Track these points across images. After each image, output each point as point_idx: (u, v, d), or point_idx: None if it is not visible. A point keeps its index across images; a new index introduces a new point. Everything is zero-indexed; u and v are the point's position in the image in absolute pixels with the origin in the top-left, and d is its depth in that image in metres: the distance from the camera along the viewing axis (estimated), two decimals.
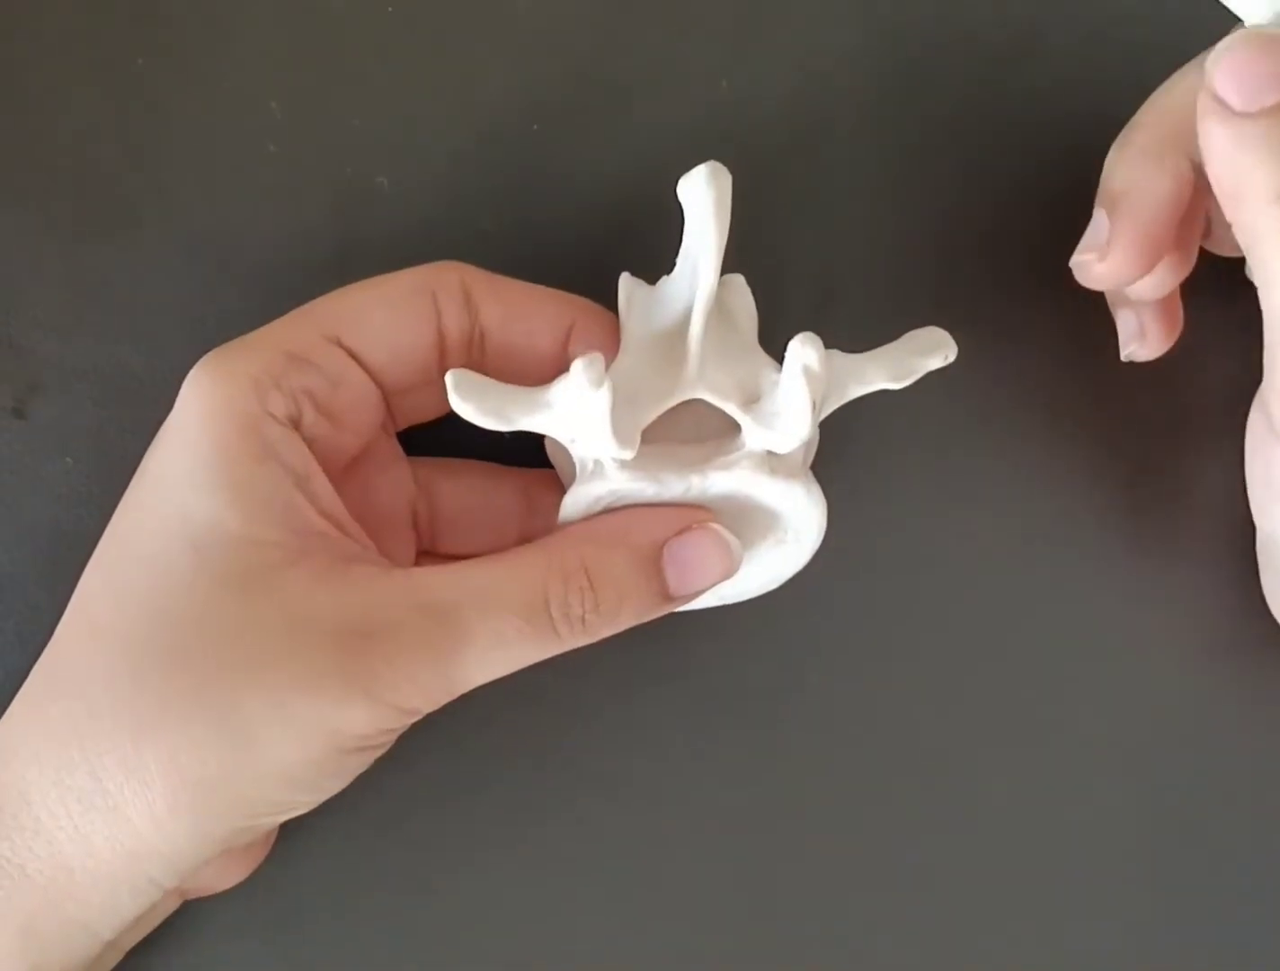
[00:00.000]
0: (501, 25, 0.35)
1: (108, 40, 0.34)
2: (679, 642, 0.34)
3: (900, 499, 0.35)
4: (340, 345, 0.29)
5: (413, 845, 0.34)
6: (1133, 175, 0.29)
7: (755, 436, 0.28)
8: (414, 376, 0.30)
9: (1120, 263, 0.29)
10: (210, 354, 0.28)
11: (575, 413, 0.27)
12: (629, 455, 0.27)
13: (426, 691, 0.27)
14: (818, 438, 0.30)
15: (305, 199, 0.34)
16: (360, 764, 0.28)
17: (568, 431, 0.28)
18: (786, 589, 0.31)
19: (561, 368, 0.29)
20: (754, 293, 0.30)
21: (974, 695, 0.35)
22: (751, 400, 0.28)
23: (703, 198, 0.27)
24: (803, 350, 0.27)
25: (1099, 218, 0.29)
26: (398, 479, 0.32)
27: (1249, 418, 0.32)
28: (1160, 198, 0.29)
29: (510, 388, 0.28)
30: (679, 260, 0.29)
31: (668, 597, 0.28)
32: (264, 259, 0.34)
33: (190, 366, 0.28)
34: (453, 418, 0.31)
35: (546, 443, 0.31)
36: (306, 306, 0.29)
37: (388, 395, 0.30)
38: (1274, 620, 0.33)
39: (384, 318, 0.29)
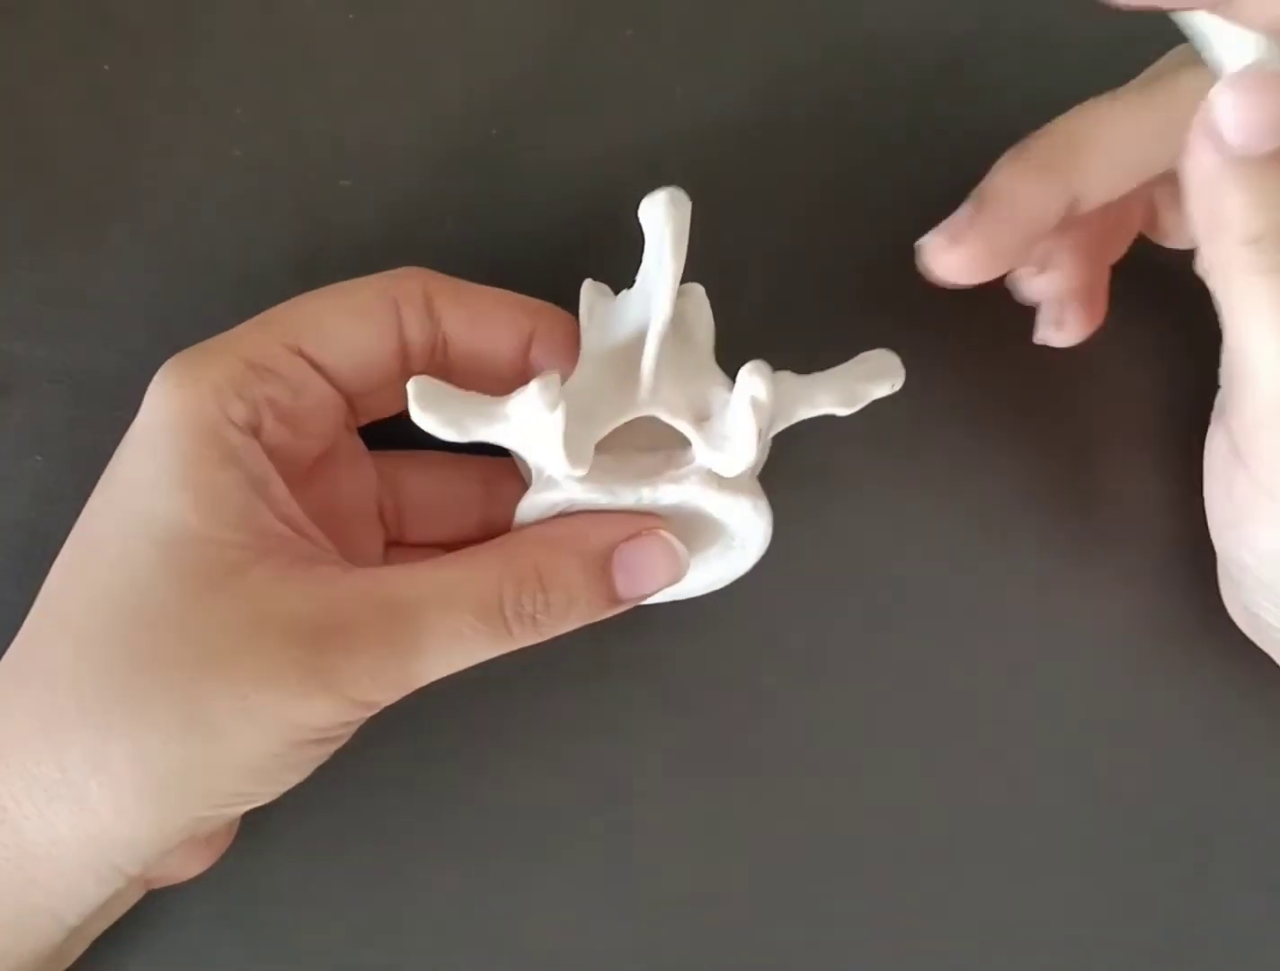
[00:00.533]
0: (461, 31, 0.35)
1: (75, 46, 0.35)
2: (642, 634, 0.34)
3: (849, 496, 0.35)
4: (302, 354, 0.29)
5: (378, 834, 0.34)
6: (1010, 182, 0.29)
7: (705, 455, 0.28)
8: (375, 382, 0.31)
9: (966, 259, 0.29)
10: (174, 359, 0.29)
11: (530, 429, 0.28)
12: (581, 473, 0.28)
13: (384, 685, 0.27)
14: (769, 446, 0.31)
15: (271, 202, 0.35)
16: (320, 755, 0.29)
17: (524, 443, 0.28)
18: (743, 584, 0.32)
19: (524, 373, 0.30)
20: (710, 298, 0.31)
21: (928, 688, 0.35)
22: (703, 418, 0.29)
23: (660, 226, 0.27)
24: (750, 381, 0.27)
25: (963, 209, 0.29)
26: (362, 474, 0.32)
27: (1208, 438, 0.32)
28: (1028, 210, 0.29)
29: (469, 398, 0.28)
30: (639, 276, 0.30)
31: (616, 600, 0.29)
32: (230, 261, 0.35)
33: (158, 367, 0.29)
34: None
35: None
36: (269, 313, 0.30)
37: (350, 398, 0.31)
38: (1218, 614, 0.34)
39: (346, 328, 0.30)
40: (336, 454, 0.32)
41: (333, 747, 0.29)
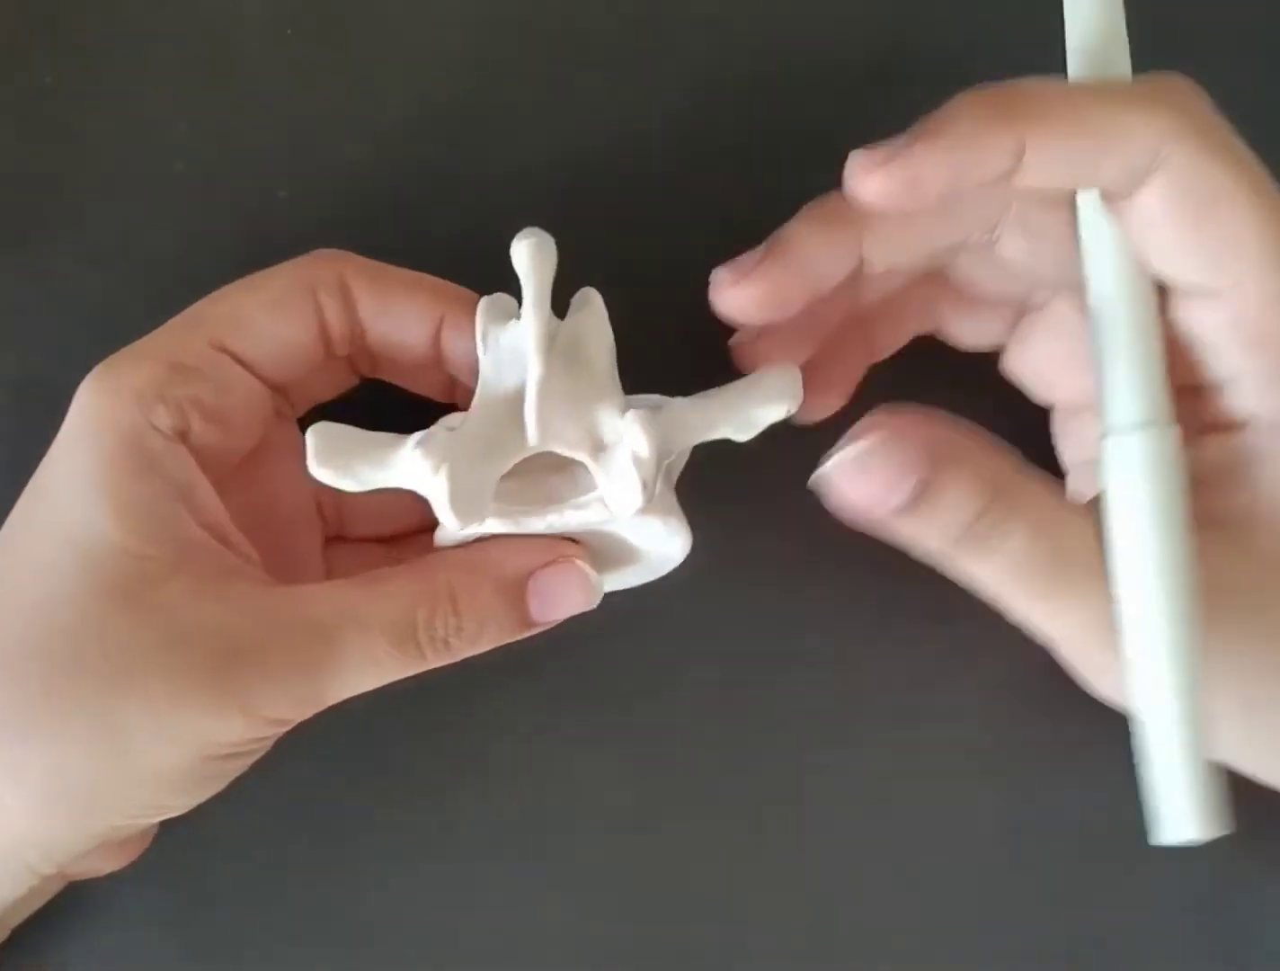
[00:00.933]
0: (398, 47, 0.36)
1: (17, 58, 0.36)
2: (563, 632, 0.35)
3: (772, 500, 0.35)
4: (225, 350, 0.30)
5: (313, 833, 0.35)
6: (801, 231, 0.29)
7: (604, 487, 0.28)
8: (301, 370, 0.31)
9: (747, 299, 0.28)
10: (98, 367, 0.29)
11: (419, 488, 0.28)
12: (471, 529, 0.28)
13: (297, 704, 0.28)
14: (688, 453, 0.31)
15: (211, 212, 0.36)
16: (235, 769, 0.29)
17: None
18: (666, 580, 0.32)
19: (437, 358, 0.31)
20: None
21: (837, 690, 0.35)
22: (601, 447, 0.28)
23: (524, 276, 0.28)
24: (632, 434, 0.27)
25: (758, 249, 0.29)
26: (298, 470, 0.32)
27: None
28: (814, 262, 0.28)
29: (367, 444, 0.28)
30: (522, 315, 0.29)
31: (529, 625, 0.29)
32: (171, 272, 0.35)
33: None
34: (354, 398, 0.33)
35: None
36: (190, 312, 0.30)
37: (279, 389, 0.31)
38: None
39: (266, 319, 0.30)
40: (271, 448, 0.32)
41: (249, 761, 0.30)
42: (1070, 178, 0.27)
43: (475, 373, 0.30)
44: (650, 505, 0.29)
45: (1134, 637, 0.27)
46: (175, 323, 0.30)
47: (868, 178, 0.26)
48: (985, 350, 0.33)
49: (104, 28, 0.36)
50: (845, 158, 0.27)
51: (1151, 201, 0.26)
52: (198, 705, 0.27)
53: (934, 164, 0.26)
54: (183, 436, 0.29)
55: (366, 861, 0.35)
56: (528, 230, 0.28)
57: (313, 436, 0.28)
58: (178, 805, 0.29)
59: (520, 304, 0.29)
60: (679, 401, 0.29)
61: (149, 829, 0.33)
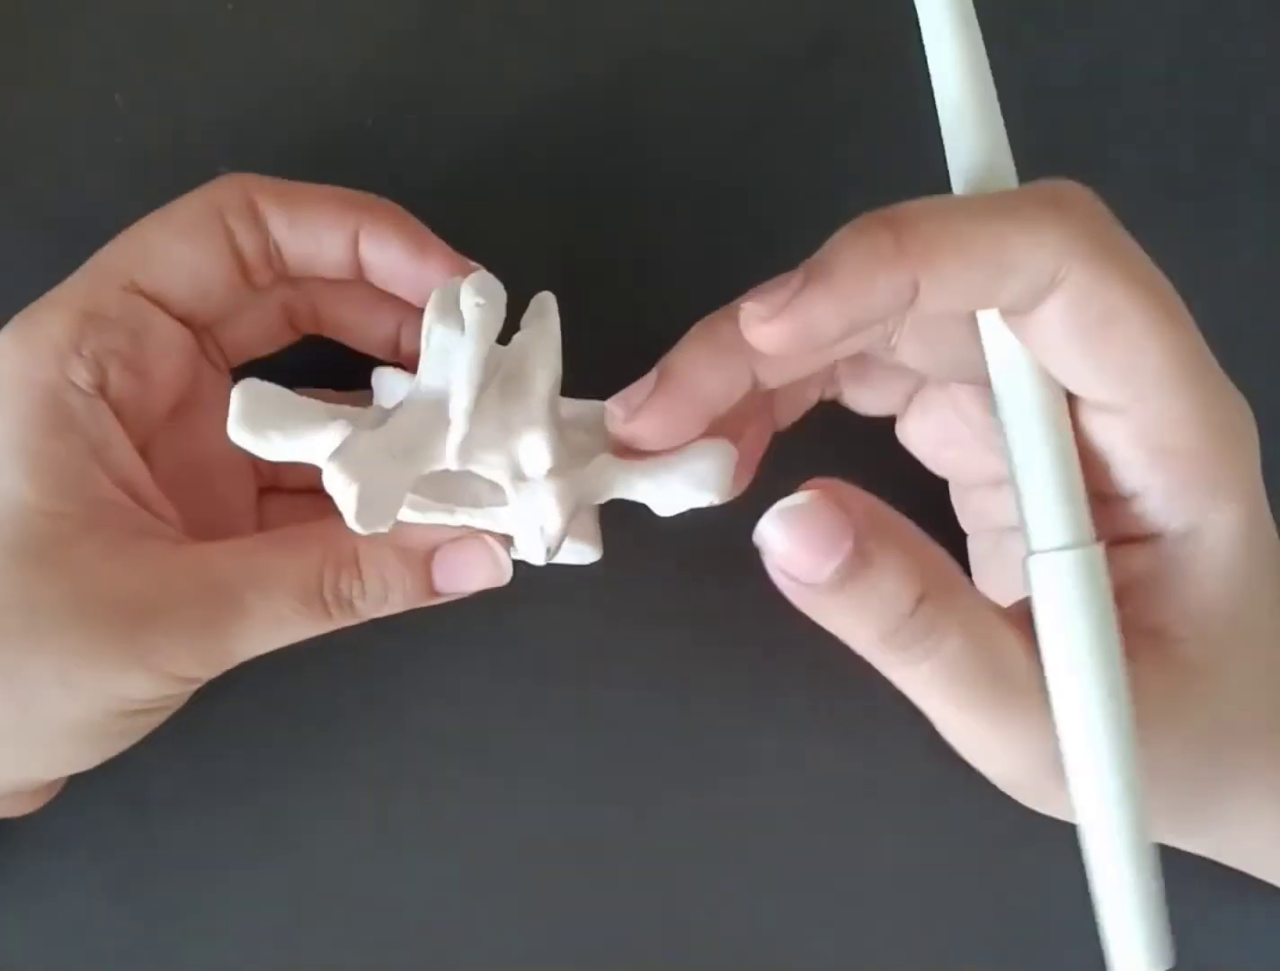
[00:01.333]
0: (338, 20, 0.36)
1: None
2: (496, 595, 0.34)
3: None
4: (139, 292, 0.29)
5: (253, 801, 0.35)
6: (689, 362, 0.28)
7: (514, 521, 0.28)
8: (222, 305, 0.30)
9: (645, 430, 0.28)
10: (14, 319, 0.29)
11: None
12: (380, 531, 0.27)
13: (205, 662, 0.28)
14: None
15: (151, 188, 0.35)
16: (146, 725, 0.29)
17: None
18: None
19: (357, 271, 0.30)
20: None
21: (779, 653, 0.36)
22: (521, 477, 0.28)
23: (469, 326, 0.27)
24: (545, 506, 0.27)
25: (646, 380, 0.28)
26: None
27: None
28: (706, 392, 0.28)
29: (294, 413, 0.28)
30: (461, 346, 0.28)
31: (434, 593, 0.29)
32: None
33: None
34: (296, 353, 0.33)
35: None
36: (98, 256, 0.30)
37: (206, 330, 0.31)
38: None
39: (178, 252, 0.29)
40: (204, 398, 0.32)
41: (161, 717, 0.30)
42: (967, 304, 0.26)
43: (401, 285, 0.30)
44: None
45: (1079, 777, 0.26)
46: (86, 268, 0.30)
47: (762, 328, 0.26)
48: (884, 416, 0.33)
49: (37, 2, 0.36)
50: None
51: (1051, 320, 0.26)
52: (104, 663, 0.27)
53: (826, 311, 0.25)
54: (101, 390, 0.29)
55: (307, 828, 0.35)
56: (478, 278, 0.28)
57: (238, 395, 0.27)
58: (85, 760, 0.29)
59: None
60: (607, 456, 0.29)
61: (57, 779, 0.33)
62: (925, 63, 0.28)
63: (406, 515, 0.29)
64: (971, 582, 0.27)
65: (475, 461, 0.28)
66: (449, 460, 0.27)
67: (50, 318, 0.29)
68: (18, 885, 0.34)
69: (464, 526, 0.29)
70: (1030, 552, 0.27)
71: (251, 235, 0.30)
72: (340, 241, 0.30)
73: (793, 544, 0.25)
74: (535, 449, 0.28)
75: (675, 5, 0.37)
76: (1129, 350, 0.25)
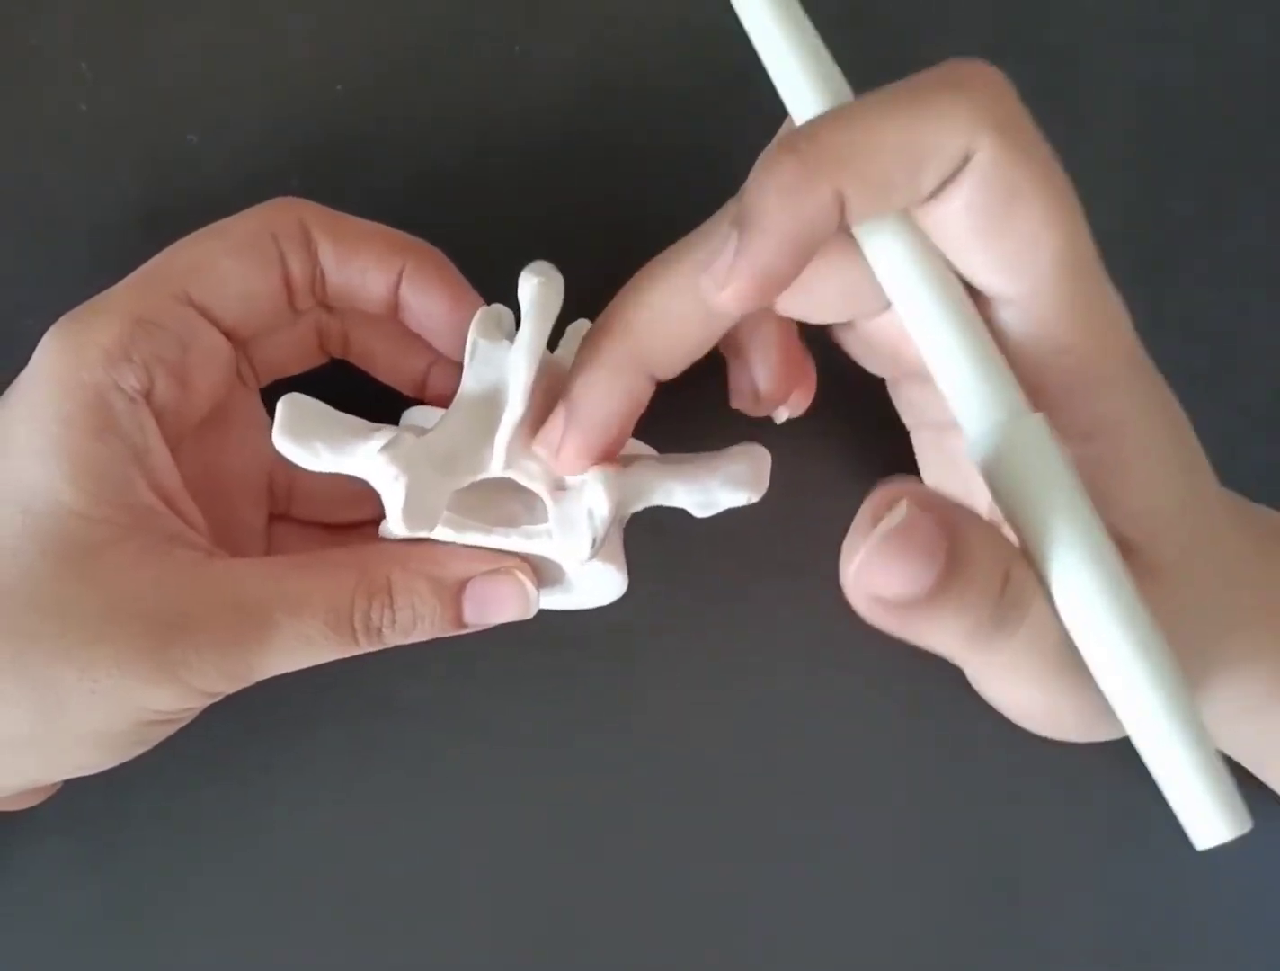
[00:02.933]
0: None
1: None
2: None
3: None
4: (191, 303, 0.30)
5: (239, 782, 0.35)
6: (596, 388, 0.28)
7: (554, 529, 0.29)
8: (264, 322, 0.31)
9: (565, 464, 0.28)
10: (62, 320, 0.29)
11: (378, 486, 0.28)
12: (424, 533, 0.28)
13: (231, 678, 0.28)
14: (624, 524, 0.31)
15: (117, 158, 0.35)
16: (161, 734, 0.30)
17: None
18: None
19: (395, 309, 0.31)
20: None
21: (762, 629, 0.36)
22: (561, 487, 0.29)
23: (526, 312, 0.28)
24: (592, 493, 0.28)
25: (558, 416, 0.28)
26: (255, 440, 0.32)
27: None
28: (616, 420, 0.28)
29: (334, 424, 0.28)
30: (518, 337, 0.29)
31: (461, 625, 0.30)
32: (78, 217, 0.35)
33: (7, 322, 0.30)
34: (322, 381, 0.32)
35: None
36: (153, 264, 0.30)
37: (243, 346, 0.31)
38: None
39: (231, 268, 0.30)
40: (232, 415, 0.32)
41: (179, 725, 0.30)
42: (894, 203, 0.26)
43: (434, 332, 0.31)
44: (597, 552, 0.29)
45: (1101, 657, 0.25)
46: (138, 276, 0.30)
47: (721, 296, 0.25)
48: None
49: None
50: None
51: (958, 203, 0.25)
52: (134, 674, 0.27)
53: (771, 257, 0.25)
54: (146, 396, 0.29)
55: (282, 809, 0.35)
56: (537, 265, 0.28)
57: (284, 406, 0.28)
58: (100, 764, 0.30)
59: (517, 322, 0.29)
60: (646, 461, 0.29)
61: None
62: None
63: (443, 533, 0.29)
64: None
65: (518, 470, 0.28)
66: (496, 463, 0.28)
67: (100, 322, 0.29)
68: None
69: (498, 549, 0.30)
70: (971, 443, 0.26)
71: (301, 261, 0.30)
72: (384, 280, 0.31)
73: (894, 564, 0.23)
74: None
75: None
76: (1027, 240, 0.25)
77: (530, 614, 0.30)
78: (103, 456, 0.28)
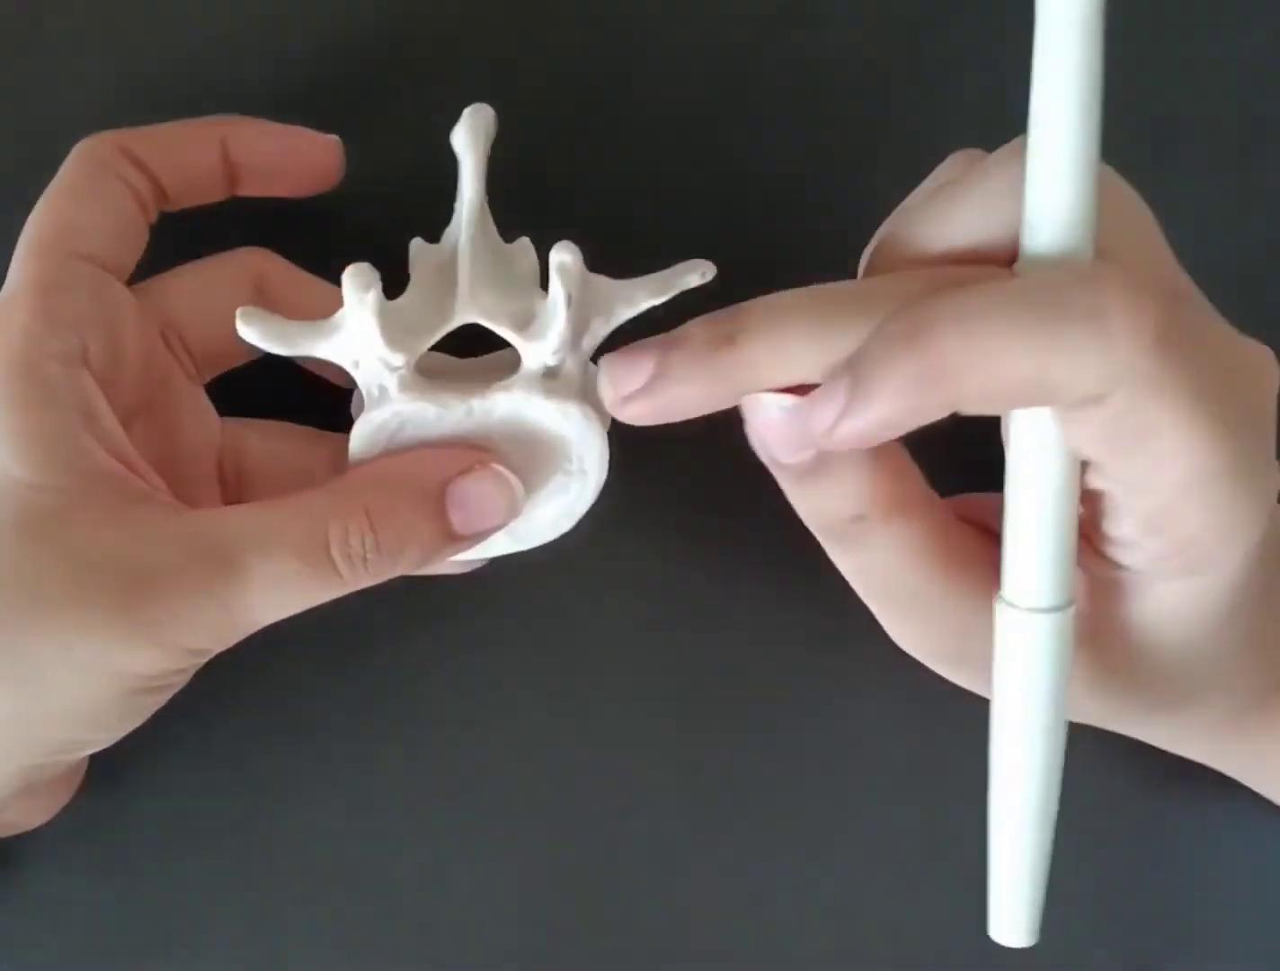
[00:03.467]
0: None
1: None
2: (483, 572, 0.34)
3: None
4: (81, 256, 0.30)
5: (238, 780, 0.35)
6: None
7: (526, 352, 0.29)
8: (136, 245, 0.31)
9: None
10: None
11: (352, 327, 0.28)
12: (399, 359, 0.28)
13: (212, 632, 0.27)
14: (602, 336, 0.30)
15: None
16: (154, 702, 0.29)
17: (350, 354, 0.29)
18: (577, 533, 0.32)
19: (232, 186, 0.32)
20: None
21: (765, 627, 0.36)
22: (526, 324, 0.29)
23: (464, 125, 0.29)
24: (558, 252, 0.28)
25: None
26: (204, 428, 0.33)
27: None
28: None
29: (295, 321, 0.29)
30: (455, 210, 0.30)
31: (452, 537, 0.29)
32: None
33: None
34: (265, 376, 0.33)
35: (352, 408, 0.32)
36: (26, 238, 0.30)
37: (176, 334, 0.32)
38: None
39: (91, 213, 0.30)
40: (177, 402, 0.32)
41: (169, 693, 0.29)
42: (1004, 411, 0.26)
43: (272, 177, 0.33)
44: (573, 392, 0.29)
45: (1000, 796, 0.28)
46: (24, 253, 0.30)
47: (825, 439, 0.25)
48: None
49: None
50: None
51: (1084, 422, 0.24)
52: (109, 636, 0.26)
53: (878, 428, 0.24)
54: (83, 359, 0.29)
55: (290, 812, 0.35)
56: (471, 106, 0.29)
57: (244, 309, 0.28)
58: (97, 740, 0.29)
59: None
60: (601, 277, 0.29)
61: (70, 780, 0.32)
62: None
63: (414, 408, 0.29)
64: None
65: (480, 310, 0.28)
66: (460, 275, 0.29)
67: (12, 303, 0.29)
68: None
69: (474, 419, 0.29)
70: (1002, 600, 0.27)
71: (140, 177, 0.31)
72: (212, 157, 0.32)
73: (774, 430, 0.26)
74: (535, 301, 0.29)
75: None
76: (1154, 461, 0.24)
77: (517, 511, 0.29)
78: (45, 426, 0.28)
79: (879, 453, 0.26)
